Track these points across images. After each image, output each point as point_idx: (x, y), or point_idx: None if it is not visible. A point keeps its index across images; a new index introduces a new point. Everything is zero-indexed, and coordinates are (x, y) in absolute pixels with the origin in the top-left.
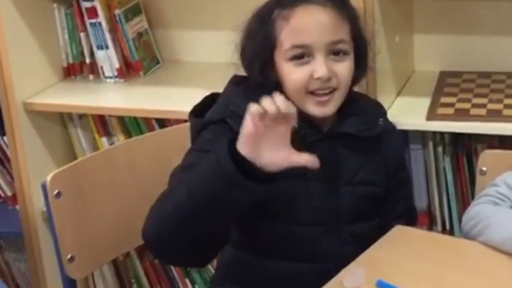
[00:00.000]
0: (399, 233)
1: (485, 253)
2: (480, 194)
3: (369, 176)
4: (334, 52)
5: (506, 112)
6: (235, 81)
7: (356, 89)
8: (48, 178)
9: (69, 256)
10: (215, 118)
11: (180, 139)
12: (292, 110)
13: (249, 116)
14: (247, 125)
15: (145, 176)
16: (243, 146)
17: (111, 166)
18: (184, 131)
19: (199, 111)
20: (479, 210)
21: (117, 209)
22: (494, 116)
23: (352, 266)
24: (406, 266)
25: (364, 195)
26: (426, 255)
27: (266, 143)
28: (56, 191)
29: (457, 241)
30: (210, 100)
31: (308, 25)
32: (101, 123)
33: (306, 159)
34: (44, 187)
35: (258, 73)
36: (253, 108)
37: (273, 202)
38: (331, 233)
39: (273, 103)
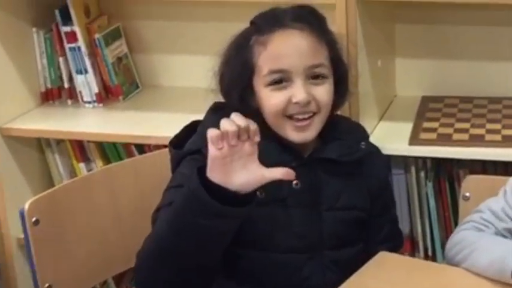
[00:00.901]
0: (382, 259)
1: (469, 279)
2: (464, 220)
3: (351, 201)
4: (313, 76)
5: (488, 137)
6: (215, 108)
7: (338, 112)
8: (26, 205)
9: (46, 285)
10: (193, 149)
11: (160, 165)
12: (253, 125)
13: (209, 141)
14: (210, 150)
15: (124, 203)
16: (211, 173)
17: (89, 193)
18: (164, 156)
19: (179, 140)
20: (464, 236)
21: (95, 237)
22: (477, 141)
23: None
24: None
25: (346, 220)
26: (410, 281)
27: (234, 164)
28: (34, 218)
29: (441, 267)
30: (190, 129)
31: (286, 50)
32: (79, 148)
33: (280, 173)
34: (21, 214)
35: (237, 100)
36: (211, 132)
37: (253, 229)
38: (314, 259)
39: (232, 122)
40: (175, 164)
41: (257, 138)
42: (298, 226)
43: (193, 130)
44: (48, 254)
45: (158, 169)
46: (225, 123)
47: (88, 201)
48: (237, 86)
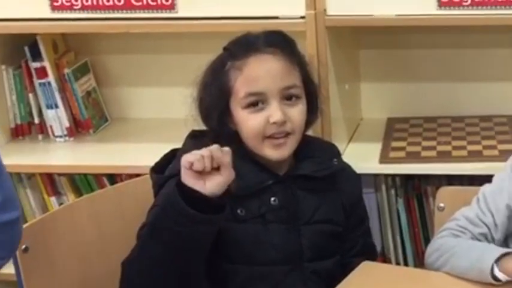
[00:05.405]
0: (367, 268)
1: (451, 282)
2: (441, 228)
3: (327, 215)
4: (287, 97)
5: (455, 153)
6: (193, 135)
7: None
8: None
9: None
10: (174, 172)
11: (140, 191)
12: (225, 161)
13: (181, 165)
14: (182, 162)
15: (107, 227)
16: (184, 179)
17: (75, 219)
18: (143, 183)
19: (159, 167)
20: (442, 243)
21: (81, 261)
22: (445, 157)
23: None
24: None
25: (323, 233)
26: (396, 287)
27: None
28: (23, 246)
29: (424, 272)
30: (170, 156)
31: (261, 73)
32: (50, 183)
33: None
34: None
35: (216, 123)
36: (183, 160)
37: (237, 245)
38: (294, 271)
39: (201, 160)
40: (158, 187)
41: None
42: (277, 240)
43: (171, 157)
44: (37, 281)
45: (139, 195)
46: (196, 158)
47: (74, 227)
48: (215, 110)
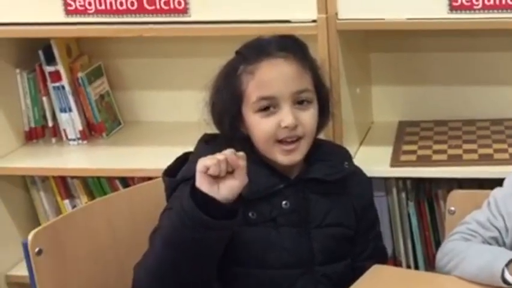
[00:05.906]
0: (378, 271)
1: (461, 285)
2: (451, 232)
3: (338, 218)
4: (299, 101)
5: (466, 157)
6: (205, 139)
7: (322, 137)
8: (30, 236)
9: None
10: (187, 176)
11: (153, 194)
12: (241, 165)
13: (197, 169)
14: (198, 166)
15: (121, 230)
16: (200, 185)
17: (88, 222)
18: (156, 186)
19: (171, 170)
20: (453, 246)
21: (94, 263)
22: (456, 160)
23: None
24: None
25: (335, 236)
26: None
27: (219, 178)
28: (37, 249)
29: (434, 276)
30: (182, 160)
31: (273, 77)
32: (63, 186)
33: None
34: (25, 245)
35: (228, 128)
36: (199, 164)
37: (248, 248)
38: (305, 274)
39: (217, 164)
40: (170, 191)
41: (242, 162)
42: (289, 243)
43: (184, 160)
44: (50, 283)
45: (151, 198)
46: (212, 162)
47: (87, 230)
48: (227, 115)
